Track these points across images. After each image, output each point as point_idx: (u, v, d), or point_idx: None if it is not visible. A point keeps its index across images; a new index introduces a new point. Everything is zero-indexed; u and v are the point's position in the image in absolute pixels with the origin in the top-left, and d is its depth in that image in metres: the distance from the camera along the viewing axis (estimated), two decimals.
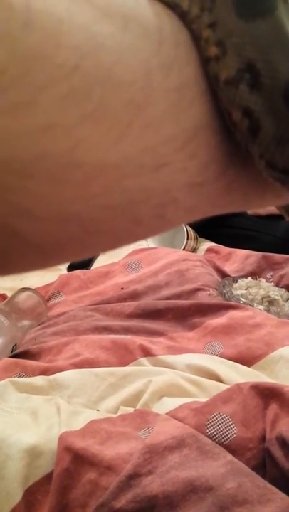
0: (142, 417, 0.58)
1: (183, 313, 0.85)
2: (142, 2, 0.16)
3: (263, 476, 0.49)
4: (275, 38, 0.16)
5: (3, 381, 0.64)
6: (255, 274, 1.08)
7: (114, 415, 0.60)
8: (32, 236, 0.15)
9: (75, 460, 0.51)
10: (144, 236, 0.19)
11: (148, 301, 0.90)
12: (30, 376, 0.67)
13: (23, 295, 0.92)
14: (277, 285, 1.05)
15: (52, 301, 1.00)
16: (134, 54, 0.15)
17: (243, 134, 0.17)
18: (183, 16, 0.17)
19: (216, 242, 1.31)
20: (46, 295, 1.01)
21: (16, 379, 0.65)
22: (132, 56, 0.15)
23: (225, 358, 0.72)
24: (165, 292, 0.93)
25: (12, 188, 0.13)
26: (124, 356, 0.71)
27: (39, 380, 0.65)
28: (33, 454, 0.52)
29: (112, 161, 0.15)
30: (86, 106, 0.13)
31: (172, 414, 0.58)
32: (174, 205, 0.17)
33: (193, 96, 0.16)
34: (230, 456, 0.50)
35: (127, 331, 0.80)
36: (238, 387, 0.60)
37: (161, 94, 0.15)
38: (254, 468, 0.50)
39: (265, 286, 1.00)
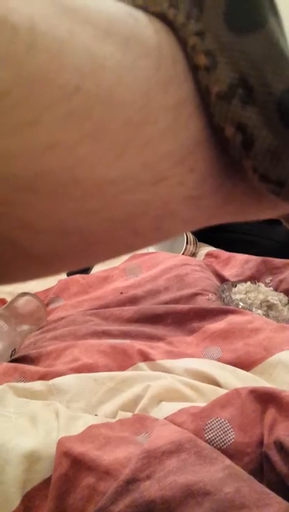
0: (141, 422, 0.58)
1: (182, 317, 0.85)
2: (142, 20, 0.16)
3: (261, 481, 0.50)
4: (268, 52, 0.16)
5: (1, 386, 0.64)
6: (254, 278, 1.09)
7: (113, 420, 0.60)
8: (32, 248, 0.15)
9: (73, 465, 0.51)
10: (142, 246, 0.19)
11: (147, 306, 0.90)
12: (29, 381, 0.67)
13: (23, 300, 0.92)
14: (276, 290, 1.05)
15: (51, 306, 1.00)
16: (134, 74, 0.15)
17: (236, 149, 0.17)
18: (170, 25, 0.17)
19: (215, 247, 1.31)
20: (45, 300, 1.01)
21: (14, 384, 0.66)
22: (132, 76, 0.15)
23: (223, 363, 0.72)
24: (164, 297, 0.94)
25: (15, 203, 0.14)
26: (123, 361, 0.72)
27: (38, 385, 0.65)
28: (32, 458, 0.52)
29: (111, 177, 0.15)
30: (86, 125, 0.14)
31: (171, 419, 0.58)
32: (172, 218, 0.18)
33: (191, 112, 0.17)
34: (228, 461, 0.50)
35: (126, 335, 0.80)
36: (237, 391, 0.60)
37: (160, 113, 0.15)
38: (252, 473, 0.50)
39: (264, 291, 1.00)
